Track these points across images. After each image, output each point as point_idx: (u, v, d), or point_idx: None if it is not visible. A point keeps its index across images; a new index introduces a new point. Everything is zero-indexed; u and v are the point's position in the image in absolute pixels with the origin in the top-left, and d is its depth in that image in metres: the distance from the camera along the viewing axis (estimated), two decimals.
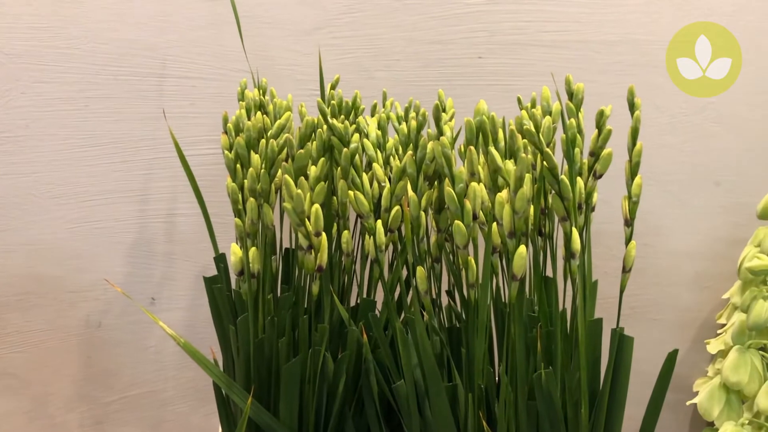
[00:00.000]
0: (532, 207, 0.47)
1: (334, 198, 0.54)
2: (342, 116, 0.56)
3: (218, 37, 0.68)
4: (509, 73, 0.70)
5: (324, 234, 0.47)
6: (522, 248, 0.44)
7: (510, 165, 0.45)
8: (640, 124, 0.49)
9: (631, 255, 0.50)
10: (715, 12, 0.68)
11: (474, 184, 0.45)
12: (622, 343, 0.51)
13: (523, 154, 0.42)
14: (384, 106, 0.59)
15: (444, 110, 0.50)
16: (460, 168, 0.45)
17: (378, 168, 0.51)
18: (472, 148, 0.44)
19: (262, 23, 0.69)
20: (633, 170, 0.49)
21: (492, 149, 0.44)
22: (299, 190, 0.44)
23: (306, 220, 0.46)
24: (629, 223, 0.50)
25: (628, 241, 0.50)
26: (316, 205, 0.46)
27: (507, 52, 0.70)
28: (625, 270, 0.50)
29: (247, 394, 0.52)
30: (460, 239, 0.44)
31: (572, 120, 0.46)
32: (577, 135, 0.48)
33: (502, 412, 0.48)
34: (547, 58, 0.69)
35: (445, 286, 0.58)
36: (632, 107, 0.49)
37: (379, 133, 0.55)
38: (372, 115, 0.61)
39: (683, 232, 0.73)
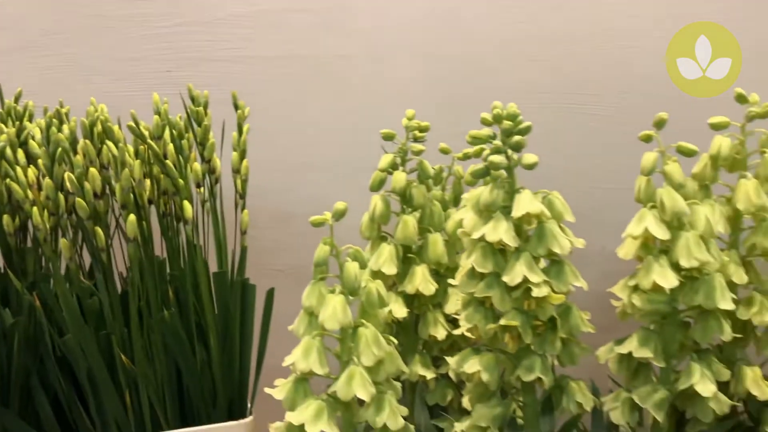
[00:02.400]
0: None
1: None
2: (18, 122, 0.67)
3: None
4: (194, 85, 0.84)
5: None
6: (131, 216, 0.57)
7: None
8: (244, 120, 0.64)
9: (244, 220, 0.64)
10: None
11: (92, 168, 0.57)
12: (245, 290, 0.65)
13: (122, 144, 0.56)
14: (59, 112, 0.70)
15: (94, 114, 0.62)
16: (77, 156, 0.58)
17: (40, 163, 0.63)
18: (87, 141, 0.57)
19: None
20: (241, 155, 0.64)
21: (108, 142, 0.58)
22: None
23: None
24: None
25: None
26: None
27: (192, 66, 0.83)
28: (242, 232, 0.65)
29: None
30: (82, 213, 0.57)
31: (178, 117, 0.61)
32: (195, 129, 0.63)
33: (139, 351, 0.61)
34: (224, 71, 0.83)
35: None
36: (236, 107, 0.64)
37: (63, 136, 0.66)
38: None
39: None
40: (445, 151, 0.75)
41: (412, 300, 0.73)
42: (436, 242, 0.71)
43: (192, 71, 0.83)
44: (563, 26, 0.82)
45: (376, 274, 0.70)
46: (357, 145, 0.85)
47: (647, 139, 0.61)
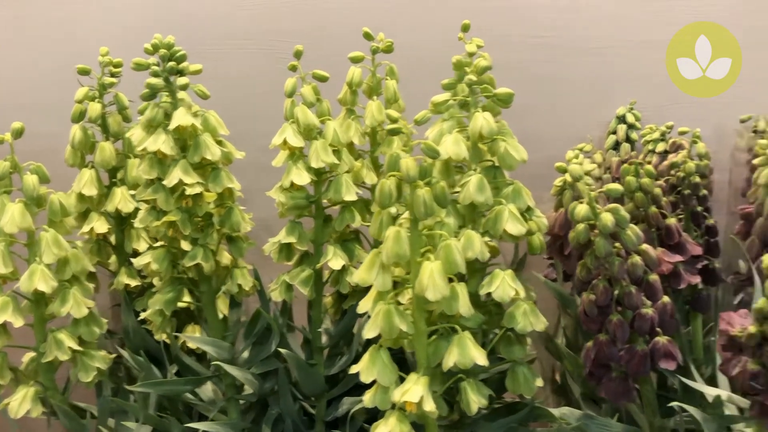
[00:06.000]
0: None
1: None
2: None
3: None
4: None
5: None
6: None
7: None
8: None
9: None
10: None
11: None
12: None
13: None
14: None
15: None
16: None
17: None
18: None
19: None
20: None
21: None
22: None
23: None
24: None
25: None
26: None
27: None
28: None
29: None
30: None
31: None
32: None
33: None
34: None
35: None
36: None
37: None
38: None
39: None
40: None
41: (122, 220, 0.82)
42: (134, 166, 0.81)
43: None
44: None
45: (80, 196, 0.78)
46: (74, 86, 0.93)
47: (293, 68, 0.74)
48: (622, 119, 0.93)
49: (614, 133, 0.93)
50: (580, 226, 0.60)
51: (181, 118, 0.67)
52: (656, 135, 0.84)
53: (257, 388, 0.74)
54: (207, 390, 0.81)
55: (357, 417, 0.76)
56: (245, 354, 0.77)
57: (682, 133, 0.79)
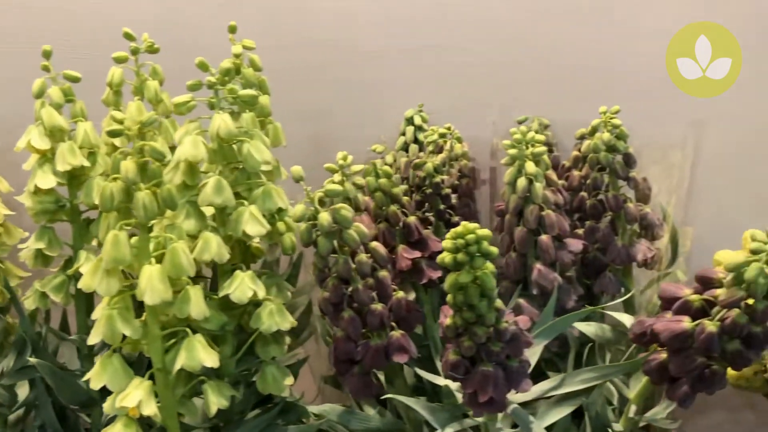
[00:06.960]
0: None
1: None
2: None
3: None
4: None
5: None
6: None
7: None
8: None
9: None
10: None
11: None
12: None
13: None
14: None
15: None
16: None
17: None
18: None
19: None
20: None
21: None
22: None
23: None
24: None
25: None
26: None
27: None
28: None
29: None
30: None
31: None
32: None
33: None
34: None
35: None
36: None
37: None
38: None
39: None
40: None
41: None
42: None
43: None
44: None
45: None
46: None
47: (45, 68, 0.72)
48: (410, 121, 0.95)
49: (404, 134, 0.95)
50: (303, 226, 0.61)
51: None
52: (436, 136, 0.87)
53: (7, 400, 0.71)
54: None
55: None
56: (10, 365, 0.75)
57: (442, 135, 0.81)
